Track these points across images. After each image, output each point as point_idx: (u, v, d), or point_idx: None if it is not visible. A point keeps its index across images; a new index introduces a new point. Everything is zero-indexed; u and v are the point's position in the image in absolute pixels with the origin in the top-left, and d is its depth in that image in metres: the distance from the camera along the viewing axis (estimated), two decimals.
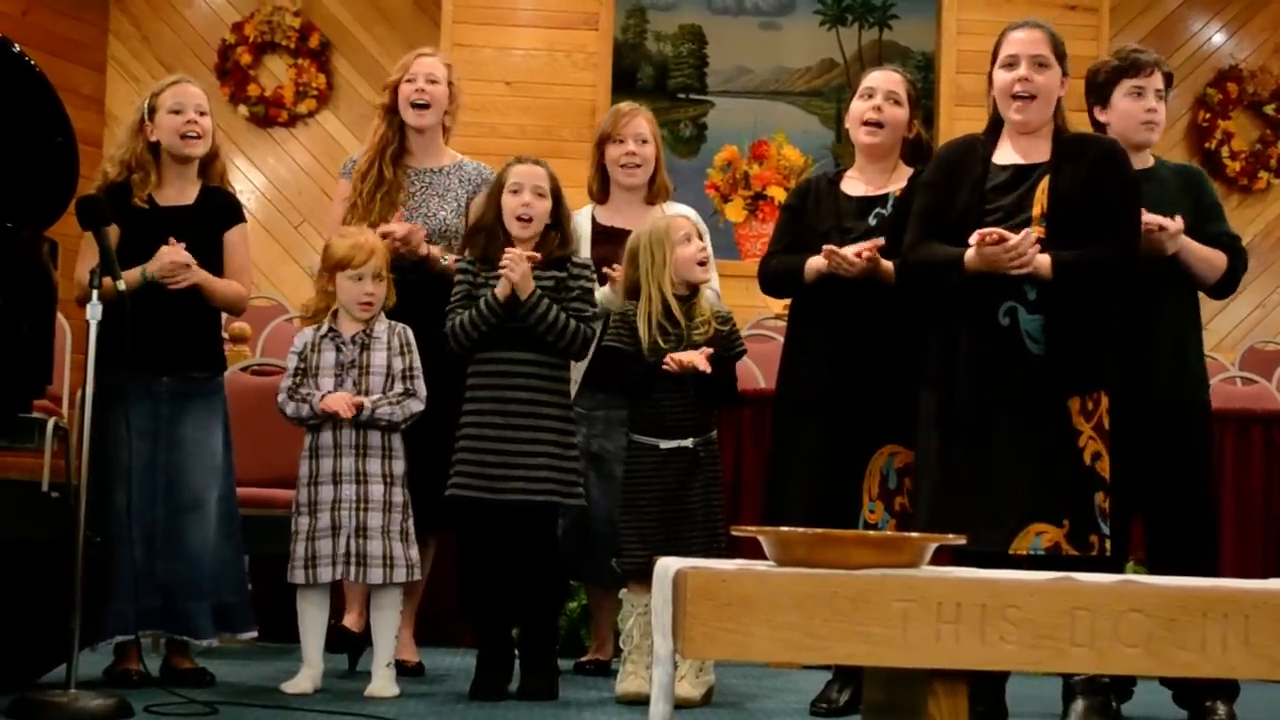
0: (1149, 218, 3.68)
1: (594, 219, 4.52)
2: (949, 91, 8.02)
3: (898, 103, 3.95)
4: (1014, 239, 3.44)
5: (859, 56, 8.47)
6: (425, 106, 4.49)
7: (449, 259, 4.37)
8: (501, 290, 3.95)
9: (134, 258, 4.01)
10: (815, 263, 3.85)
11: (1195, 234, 3.82)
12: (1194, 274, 3.83)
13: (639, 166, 4.47)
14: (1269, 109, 8.62)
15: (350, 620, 4.39)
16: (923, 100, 4.19)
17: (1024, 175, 3.62)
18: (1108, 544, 3.50)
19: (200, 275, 4.05)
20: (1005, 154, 3.67)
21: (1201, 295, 3.93)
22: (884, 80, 3.97)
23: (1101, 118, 3.93)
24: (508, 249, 3.98)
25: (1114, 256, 3.54)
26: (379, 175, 4.46)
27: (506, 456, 3.95)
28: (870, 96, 3.95)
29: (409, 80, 4.50)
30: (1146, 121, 3.88)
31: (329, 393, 3.94)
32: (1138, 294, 3.69)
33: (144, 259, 4.01)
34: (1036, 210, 3.56)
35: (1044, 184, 3.58)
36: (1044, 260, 3.48)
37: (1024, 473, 3.47)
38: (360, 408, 3.90)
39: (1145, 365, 3.74)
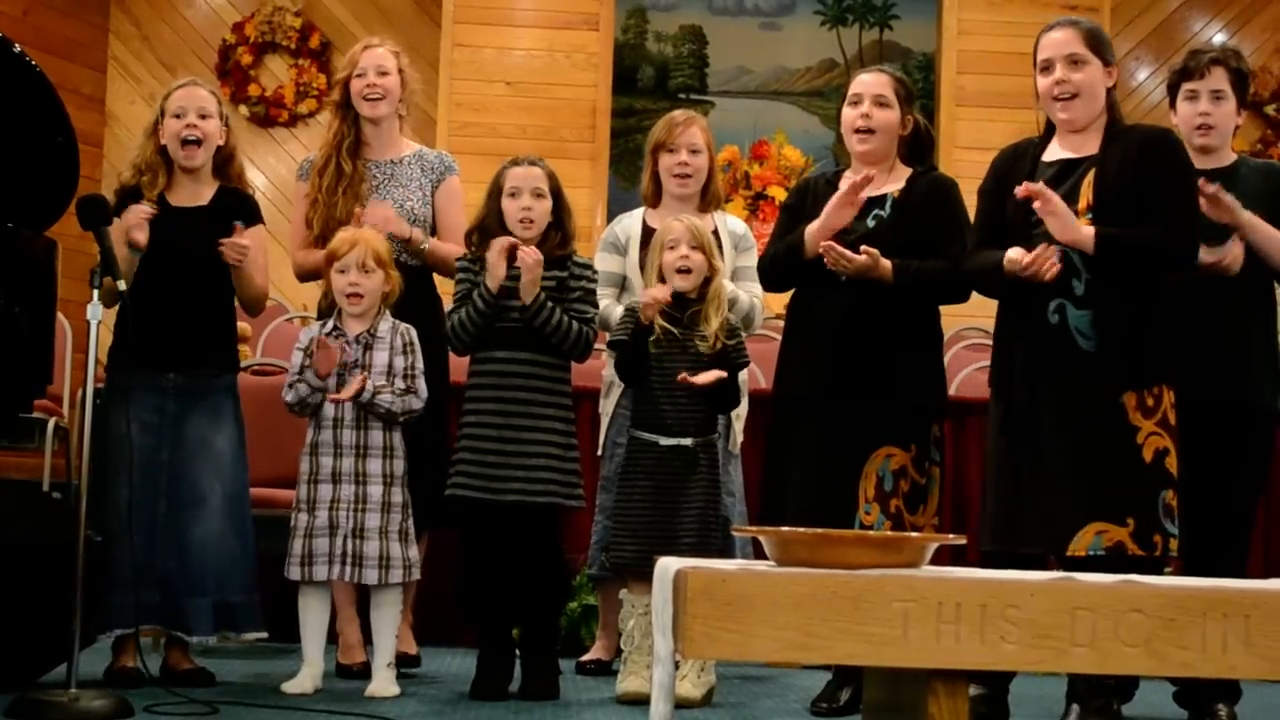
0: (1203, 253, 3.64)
1: (644, 221, 4.53)
2: (949, 91, 8.01)
3: (886, 105, 3.93)
4: (1029, 257, 3.43)
5: (859, 57, 8.47)
6: (378, 99, 4.50)
7: (428, 242, 4.40)
8: (492, 281, 3.94)
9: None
10: (814, 227, 3.82)
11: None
12: (1265, 258, 3.74)
13: (690, 176, 4.48)
14: (1270, 109, 8.61)
15: (340, 624, 4.38)
16: (919, 98, 4.17)
17: (1070, 169, 3.59)
18: (1173, 543, 3.44)
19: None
20: (1054, 151, 3.66)
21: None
22: (870, 84, 3.95)
23: (1175, 121, 3.94)
24: (524, 247, 3.95)
25: (1160, 237, 3.47)
26: (338, 169, 4.46)
27: (507, 457, 3.95)
28: (858, 103, 3.94)
29: (358, 75, 4.50)
30: (1199, 126, 3.86)
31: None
32: (1200, 290, 3.67)
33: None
34: (1083, 203, 3.53)
35: (1090, 176, 3.55)
36: (1088, 233, 3.45)
37: (1078, 472, 3.44)
38: (362, 389, 3.91)
39: (1203, 363, 3.69)
